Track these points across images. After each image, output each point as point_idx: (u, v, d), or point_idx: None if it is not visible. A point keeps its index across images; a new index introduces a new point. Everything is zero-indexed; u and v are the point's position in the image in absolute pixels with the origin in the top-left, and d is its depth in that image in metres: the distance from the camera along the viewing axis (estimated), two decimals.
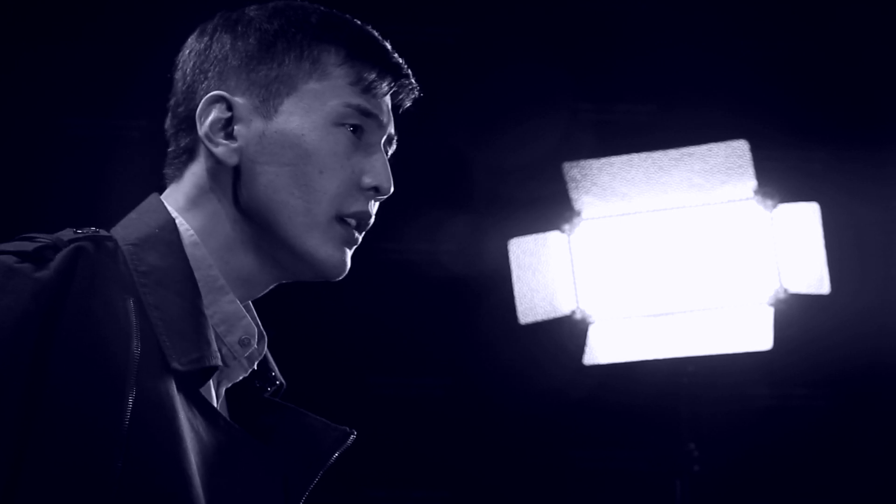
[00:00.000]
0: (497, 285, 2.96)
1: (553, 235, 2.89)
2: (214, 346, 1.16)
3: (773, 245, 2.75)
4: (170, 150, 1.27)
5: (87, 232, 1.16)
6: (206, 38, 1.25)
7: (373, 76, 1.24)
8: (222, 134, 1.22)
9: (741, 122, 3.01)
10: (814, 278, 2.74)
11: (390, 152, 1.29)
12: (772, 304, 2.75)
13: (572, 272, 2.87)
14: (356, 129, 1.23)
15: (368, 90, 1.23)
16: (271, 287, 1.26)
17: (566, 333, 2.89)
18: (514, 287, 2.88)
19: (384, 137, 1.26)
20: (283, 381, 1.29)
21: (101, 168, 2.95)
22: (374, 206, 1.25)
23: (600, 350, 2.87)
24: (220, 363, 1.16)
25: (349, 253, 1.24)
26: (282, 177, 1.20)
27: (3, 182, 2.94)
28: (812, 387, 3.26)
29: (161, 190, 1.27)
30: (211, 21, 1.27)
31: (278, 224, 1.20)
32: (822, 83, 3.27)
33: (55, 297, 1.08)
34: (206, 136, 1.22)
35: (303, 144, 1.20)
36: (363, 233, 1.26)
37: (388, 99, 1.27)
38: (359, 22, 1.29)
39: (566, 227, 2.88)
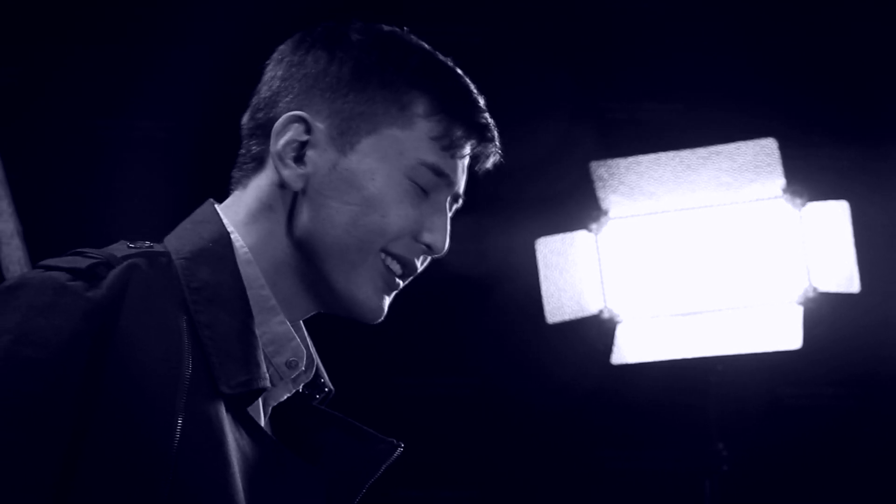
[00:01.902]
0: (524, 285, 2.96)
1: (580, 235, 2.88)
2: (263, 367, 1.15)
3: (802, 243, 2.74)
4: (241, 151, 1.25)
5: (141, 247, 1.15)
6: (302, 51, 1.22)
7: (456, 136, 1.21)
8: (294, 156, 1.19)
9: (769, 120, 2.99)
10: (843, 277, 2.73)
11: (454, 208, 1.27)
12: (801, 303, 2.73)
13: (600, 271, 2.87)
14: (429, 186, 1.21)
15: (449, 148, 1.21)
16: (309, 315, 1.25)
17: (594, 333, 2.89)
18: (542, 286, 2.88)
19: (451, 196, 1.24)
20: (331, 388, 1.28)
21: (129, 169, 2.97)
22: (422, 262, 1.24)
23: (628, 349, 2.86)
24: (268, 385, 1.15)
25: (388, 300, 1.23)
26: (342, 214, 1.18)
27: (35, 184, 2.96)
28: (841, 386, 3.24)
29: (218, 192, 1.26)
30: (312, 32, 1.24)
31: (328, 258, 1.18)
32: (851, 80, 3.25)
33: (107, 316, 1.07)
34: (279, 154, 1.19)
35: (371, 189, 1.17)
36: (405, 282, 1.24)
37: (465, 160, 1.24)
38: (458, 71, 1.25)
39: (594, 226, 2.87)
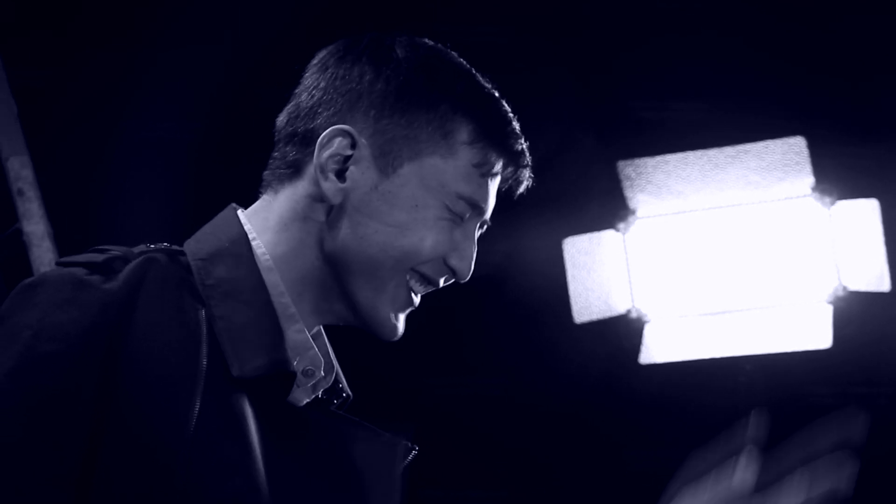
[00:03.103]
0: (552, 284, 2.96)
1: (608, 234, 2.88)
2: (288, 354, 1.16)
3: (831, 242, 2.73)
4: (275, 154, 1.24)
5: (160, 246, 1.16)
6: (347, 63, 1.22)
7: (496, 163, 1.22)
8: (336, 169, 1.19)
9: (798, 118, 2.98)
10: (873, 275, 2.72)
11: (479, 233, 1.28)
12: (831, 302, 2.72)
13: (627, 271, 2.86)
14: (463, 215, 1.22)
15: (487, 175, 1.22)
16: (325, 324, 1.26)
17: (622, 332, 2.88)
18: (570, 286, 2.88)
19: (481, 222, 1.26)
20: (350, 393, 1.28)
21: (158, 171, 2.98)
22: (444, 282, 1.25)
23: (656, 349, 2.85)
24: (294, 370, 1.15)
25: (403, 318, 1.24)
26: (380, 234, 1.18)
27: (65, 187, 2.98)
28: (872, 385, 3.22)
29: (242, 198, 1.26)
30: (358, 43, 1.24)
31: (359, 274, 1.19)
32: (880, 78, 3.23)
33: (123, 308, 1.08)
34: (321, 166, 1.19)
35: (411, 214, 1.18)
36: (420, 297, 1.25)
37: (498, 185, 1.25)
38: (497, 95, 1.26)
39: (621, 225, 2.87)
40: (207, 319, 1.12)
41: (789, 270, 2.76)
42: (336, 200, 1.19)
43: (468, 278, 1.24)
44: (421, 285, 1.23)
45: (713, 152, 2.79)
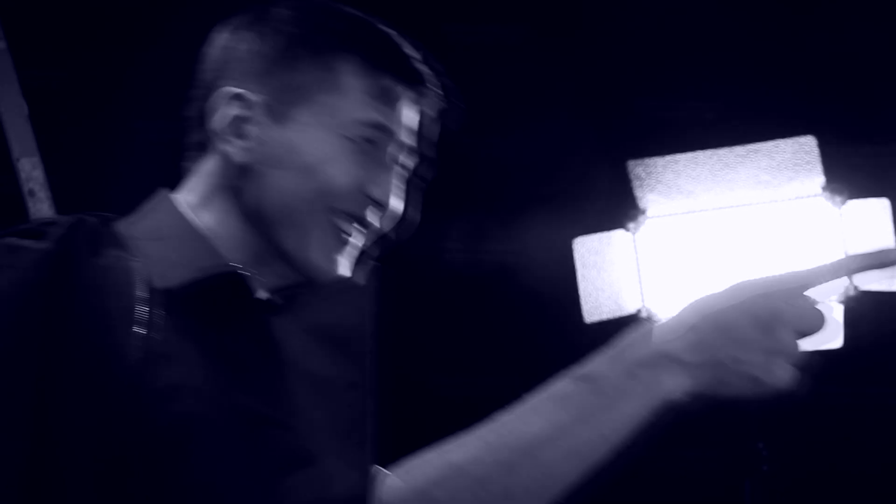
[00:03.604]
0: (562, 284, 2.96)
1: (618, 234, 2.88)
2: (225, 259, 1.18)
3: (842, 241, 2.72)
4: (188, 142, 1.28)
5: (91, 213, 1.19)
6: (231, 34, 1.26)
7: (391, 87, 1.23)
8: (235, 132, 1.23)
9: (809, 117, 2.98)
10: (885, 275, 2.71)
11: (414, 165, 1.28)
12: (842, 302, 2.72)
13: (638, 270, 2.86)
14: (369, 143, 1.23)
15: (386, 102, 1.23)
16: (274, 286, 1.26)
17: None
18: (580, 286, 2.88)
19: (402, 151, 1.26)
20: None
21: (170, 171, 2.99)
22: (378, 219, 1.25)
23: None
24: (231, 268, 1.17)
25: (345, 261, 1.24)
26: (286, 180, 1.21)
27: (76, 187, 2.99)
28: (883, 385, 3.21)
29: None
30: (240, 16, 1.28)
31: (279, 225, 1.21)
32: (892, 77, 3.22)
33: (56, 262, 1.11)
34: (219, 132, 1.23)
35: (311, 153, 1.21)
36: (366, 244, 1.26)
37: (411, 110, 1.26)
38: (385, 28, 1.28)
39: (631, 225, 2.87)
40: (138, 267, 1.14)
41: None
42: (242, 159, 1.22)
43: (394, 208, 1.25)
44: (351, 224, 1.23)
45: (723, 152, 2.79)
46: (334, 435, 1.13)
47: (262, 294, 1.22)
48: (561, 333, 3.11)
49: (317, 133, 1.21)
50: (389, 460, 1.21)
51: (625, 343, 1.19)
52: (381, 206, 1.24)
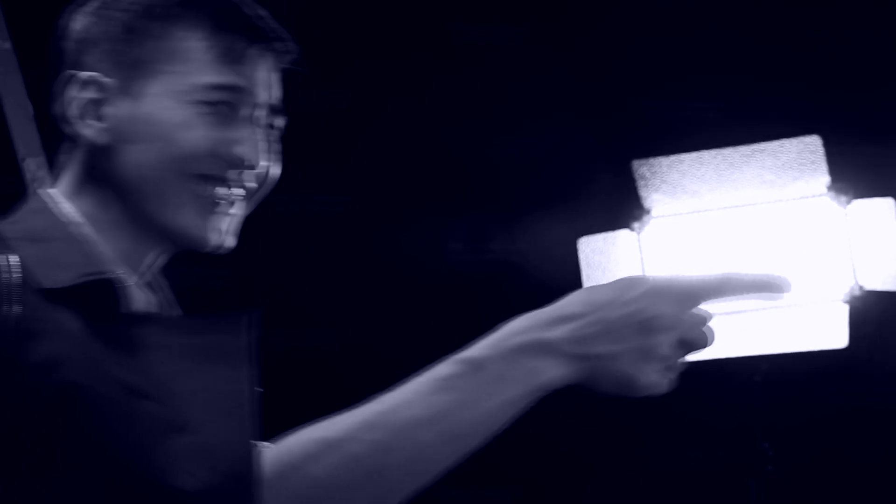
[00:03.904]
0: (567, 284, 2.95)
1: (623, 234, 2.88)
2: (107, 267, 1.19)
3: (847, 241, 2.72)
4: (55, 135, 1.31)
5: None
6: (80, 21, 1.29)
7: (236, 47, 1.25)
8: (92, 115, 1.25)
9: (813, 116, 2.98)
10: (890, 275, 2.71)
11: (281, 124, 1.29)
12: (847, 302, 2.71)
13: (642, 271, 2.86)
14: (224, 104, 1.24)
15: (232, 62, 1.25)
16: (164, 257, 1.29)
17: None
18: (584, 286, 2.87)
19: (261, 109, 1.27)
20: None
21: None
22: (243, 178, 1.25)
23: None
24: (110, 277, 1.18)
25: (218, 224, 1.25)
26: (144, 153, 1.23)
27: None
28: (889, 385, 3.21)
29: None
30: (86, 2, 1.30)
31: (145, 200, 1.23)
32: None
33: None
34: (76, 117, 1.26)
35: (165, 123, 1.23)
36: (240, 206, 1.26)
37: (264, 68, 1.27)
38: None
39: (636, 225, 2.87)
40: (16, 260, 1.15)
41: (805, 270, 2.76)
42: (102, 140, 1.25)
43: (262, 164, 1.26)
44: (219, 188, 1.25)
45: (728, 151, 2.78)
46: (213, 412, 1.13)
47: (141, 303, 1.24)
48: None
49: (167, 102, 1.23)
50: None
51: (508, 328, 1.22)
52: (244, 164, 1.25)
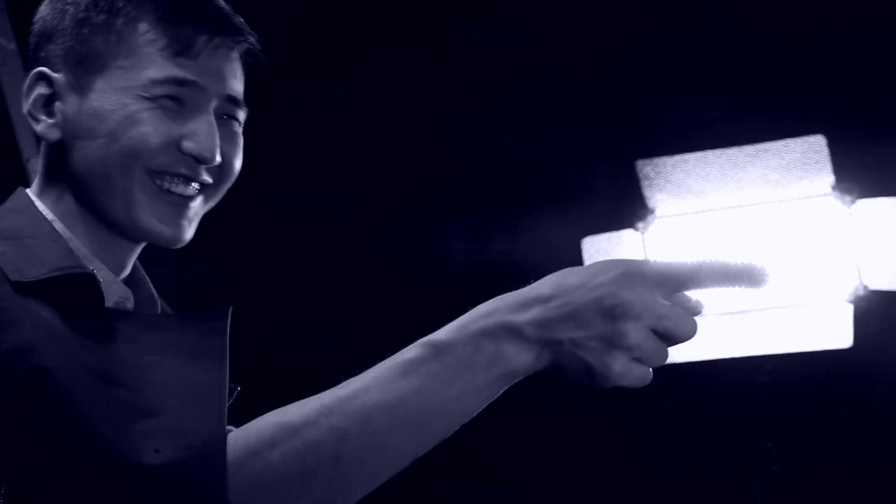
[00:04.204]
0: None
1: (627, 233, 2.87)
2: (82, 262, 1.19)
3: (852, 241, 2.71)
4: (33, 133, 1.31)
5: None
6: (38, 15, 1.29)
7: (181, 37, 1.22)
8: (44, 111, 1.25)
9: (818, 116, 2.97)
10: (894, 274, 2.70)
11: (242, 115, 1.27)
12: (851, 301, 2.71)
13: None
14: (174, 99, 1.23)
15: (181, 54, 1.22)
16: (137, 252, 1.28)
17: None
18: None
19: (215, 101, 1.24)
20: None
21: None
22: (199, 171, 1.24)
23: (676, 348, 2.84)
24: (88, 271, 1.18)
25: (173, 219, 1.24)
26: (96, 149, 1.22)
27: None
28: (893, 385, 3.21)
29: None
30: None
31: (101, 196, 1.23)
32: None
33: None
34: (30, 113, 1.26)
35: (114, 118, 1.21)
36: (197, 201, 1.25)
37: (216, 58, 1.24)
38: None
39: (640, 224, 2.87)
40: None
41: (809, 269, 2.75)
42: (53, 137, 1.24)
43: (214, 158, 1.23)
44: (174, 182, 1.23)
45: (732, 151, 2.78)
46: (184, 400, 1.12)
47: (116, 298, 1.23)
48: None
49: (116, 98, 1.22)
50: None
51: (476, 310, 1.16)
52: (198, 158, 1.23)
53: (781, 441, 2.82)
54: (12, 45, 2.47)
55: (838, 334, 2.70)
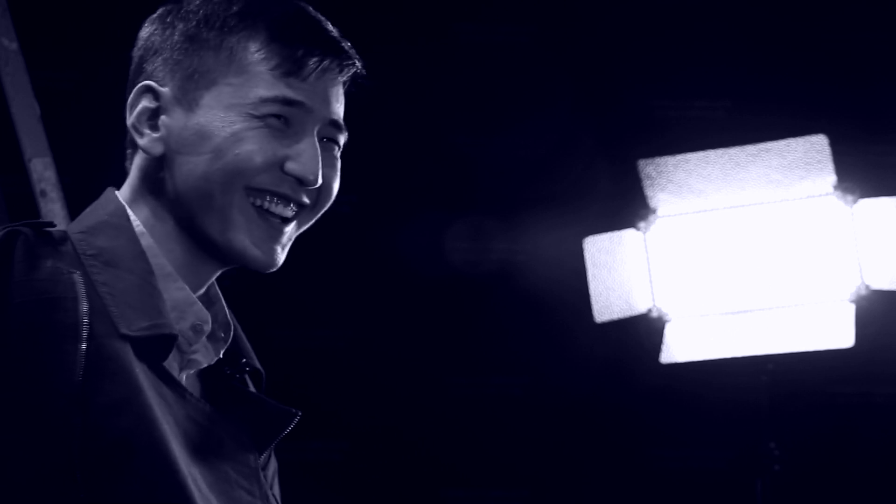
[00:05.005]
0: (573, 284, 2.96)
1: (629, 233, 2.87)
2: (169, 318, 1.19)
3: (853, 241, 2.72)
4: (126, 141, 1.31)
5: (22, 222, 1.20)
6: (145, 30, 1.29)
7: (294, 58, 1.22)
8: (148, 125, 1.25)
9: (820, 116, 2.97)
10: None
11: (342, 139, 1.27)
12: (853, 301, 2.71)
13: (648, 270, 2.86)
14: (281, 118, 1.22)
15: (291, 74, 1.22)
16: (218, 273, 1.28)
17: (643, 332, 2.88)
18: (590, 285, 2.88)
19: (319, 124, 1.24)
20: (257, 367, 1.31)
21: None
22: (300, 194, 1.24)
23: (678, 348, 2.85)
24: (175, 332, 1.18)
25: (279, 247, 1.24)
26: (199, 165, 1.21)
27: (89, 189, 3.00)
28: (895, 384, 3.21)
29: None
30: (158, 11, 1.30)
31: (199, 212, 1.22)
32: None
33: None
34: (133, 126, 1.26)
35: (220, 135, 1.21)
36: (293, 224, 1.25)
37: (324, 81, 1.24)
38: (286, 3, 1.27)
39: (642, 224, 2.87)
40: (87, 282, 1.16)
41: (811, 269, 2.75)
42: (157, 151, 1.24)
43: (317, 181, 1.23)
44: (274, 203, 1.23)
45: (734, 150, 2.78)
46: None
47: (191, 321, 1.23)
48: (571, 333, 3.11)
49: (223, 115, 1.21)
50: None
51: None
52: (300, 180, 1.22)
53: (783, 441, 2.82)
54: (14, 45, 2.47)
55: (840, 334, 2.70)
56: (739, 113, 3.24)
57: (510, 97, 3.26)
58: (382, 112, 3.26)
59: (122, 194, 1.27)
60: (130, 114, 1.26)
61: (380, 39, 3.24)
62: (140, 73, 1.26)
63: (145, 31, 1.28)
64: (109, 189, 1.28)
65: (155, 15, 1.28)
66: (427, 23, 3.20)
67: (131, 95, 1.26)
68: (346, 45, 1.26)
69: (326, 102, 1.24)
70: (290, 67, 1.22)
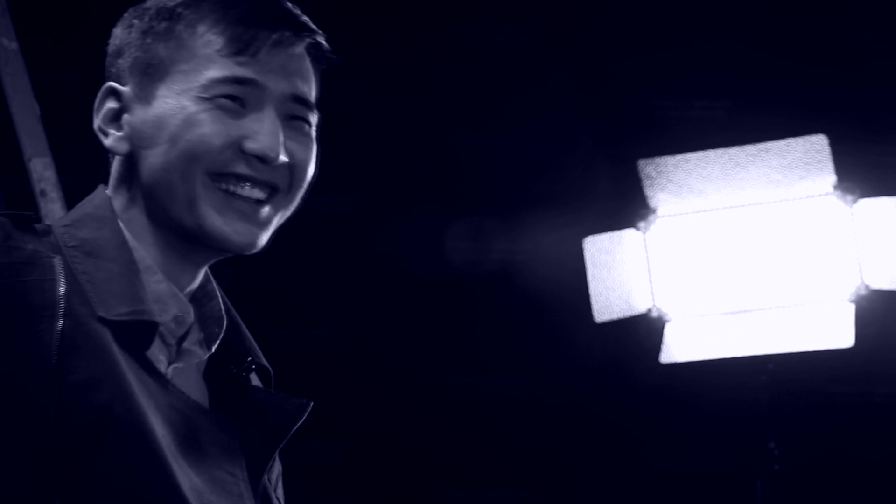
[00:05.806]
0: (573, 283, 2.96)
1: (628, 233, 2.87)
2: (151, 307, 1.19)
3: (853, 241, 2.72)
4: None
5: (5, 213, 1.21)
6: (113, 34, 1.29)
7: (241, 37, 1.21)
8: (113, 125, 1.25)
9: (820, 116, 2.97)
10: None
11: (312, 118, 1.26)
12: (853, 301, 2.71)
13: (648, 270, 2.86)
14: (236, 100, 1.20)
15: (240, 52, 1.20)
16: (206, 265, 1.27)
17: (642, 331, 2.88)
18: (590, 285, 2.88)
19: (277, 100, 1.22)
20: (264, 365, 1.30)
21: None
22: (264, 172, 1.22)
23: (677, 348, 2.85)
24: (156, 320, 1.18)
25: (242, 223, 1.22)
26: (158, 156, 1.21)
27: (89, 188, 3.00)
28: (895, 384, 3.21)
29: None
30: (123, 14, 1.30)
31: (166, 203, 1.22)
32: None
33: None
34: (99, 128, 1.26)
35: (174, 123, 1.20)
36: (267, 206, 1.23)
37: (278, 56, 1.22)
38: None
39: (642, 224, 2.87)
40: (67, 268, 1.16)
41: (811, 269, 2.75)
42: (122, 149, 1.24)
43: (278, 157, 1.21)
44: (241, 186, 1.22)
45: (734, 150, 2.78)
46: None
47: (172, 313, 1.22)
48: (571, 333, 3.11)
49: (175, 102, 1.21)
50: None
51: None
52: (261, 158, 1.21)
53: (783, 441, 2.82)
54: (14, 45, 2.47)
55: (840, 334, 2.70)
56: (739, 113, 3.24)
57: (510, 97, 3.26)
58: (383, 112, 3.26)
59: (110, 190, 1.28)
60: (96, 116, 1.26)
61: (380, 39, 3.24)
62: (108, 76, 1.27)
63: (113, 34, 1.29)
64: (100, 186, 1.28)
65: (120, 18, 1.29)
66: (427, 23, 3.20)
67: (97, 99, 1.26)
68: (301, 17, 1.24)
69: (284, 78, 1.22)
70: (239, 46, 1.21)
